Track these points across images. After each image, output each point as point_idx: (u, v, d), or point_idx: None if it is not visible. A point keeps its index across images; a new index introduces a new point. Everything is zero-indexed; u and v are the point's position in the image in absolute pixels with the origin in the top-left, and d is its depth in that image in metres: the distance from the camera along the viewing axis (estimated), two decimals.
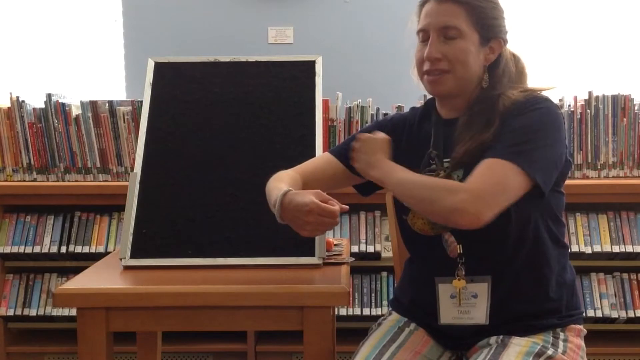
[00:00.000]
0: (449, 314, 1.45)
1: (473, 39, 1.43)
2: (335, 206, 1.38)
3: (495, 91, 1.44)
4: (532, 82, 1.53)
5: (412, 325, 1.52)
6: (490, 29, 1.45)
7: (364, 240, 2.61)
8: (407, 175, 1.39)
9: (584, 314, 1.54)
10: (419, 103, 2.72)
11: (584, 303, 2.55)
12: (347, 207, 1.43)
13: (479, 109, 1.43)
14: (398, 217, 1.56)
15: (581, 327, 1.47)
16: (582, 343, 1.45)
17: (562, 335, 1.42)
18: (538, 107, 1.38)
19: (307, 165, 1.62)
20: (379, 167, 1.44)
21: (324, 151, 1.70)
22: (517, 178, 1.30)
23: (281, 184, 1.47)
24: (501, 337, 1.40)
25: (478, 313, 1.42)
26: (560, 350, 1.38)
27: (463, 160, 1.40)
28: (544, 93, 1.47)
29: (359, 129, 2.61)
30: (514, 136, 1.34)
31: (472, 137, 1.39)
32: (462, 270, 1.42)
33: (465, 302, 1.43)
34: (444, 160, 1.45)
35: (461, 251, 1.41)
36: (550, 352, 1.36)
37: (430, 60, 1.43)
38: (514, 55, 1.51)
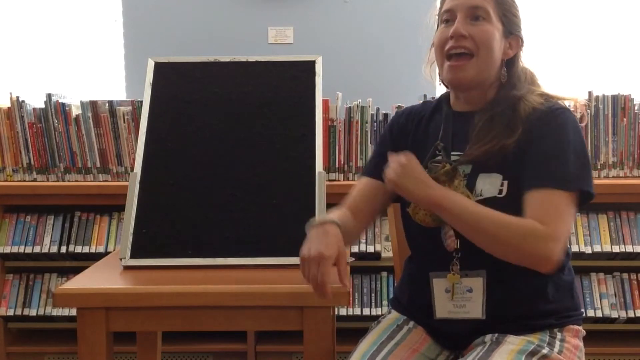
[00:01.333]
0: (444, 308, 1.46)
1: (498, 27, 1.43)
2: (328, 287, 1.31)
3: (516, 91, 1.43)
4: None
5: (411, 324, 1.53)
6: (511, 23, 1.46)
7: (364, 240, 2.61)
8: (473, 205, 1.34)
9: (583, 314, 1.53)
10: (418, 102, 2.73)
11: (584, 303, 2.55)
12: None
13: (501, 109, 1.42)
14: (402, 210, 1.56)
15: (580, 327, 1.46)
16: (580, 344, 1.45)
17: (559, 335, 1.41)
18: (562, 117, 1.38)
19: (350, 197, 1.58)
20: (436, 187, 1.36)
21: (323, 151, 1.71)
22: (574, 202, 1.34)
23: (331, 214, 1.48)
24: (496, 335, 1.40)
25: (474, 307, 1.42)
26: (556, 349, 1.37)
27: (476, 159, 1.40)
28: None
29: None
30: (553, 157, 1.34)
31: (493, 139, 1.38)
32: (457, 264, 1.42)
33: (460, 296, 1.43)
34: (452, 153, 1.45)
35: (458, 246, 1.42)
36: (545, 351, 1.35)
37: (455, 37, 1.41)
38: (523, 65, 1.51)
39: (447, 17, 1.45)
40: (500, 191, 1.38)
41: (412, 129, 1.56)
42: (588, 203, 1.37)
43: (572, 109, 1.46)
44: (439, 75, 1.51)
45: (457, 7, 1.43)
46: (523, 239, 1.29)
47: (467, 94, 1.49)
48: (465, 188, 1.40)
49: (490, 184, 1.39)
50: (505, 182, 1.38)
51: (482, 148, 1.39)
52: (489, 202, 1.38)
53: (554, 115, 1.39)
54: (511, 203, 1.36)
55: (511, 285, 1.41)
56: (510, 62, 1.48)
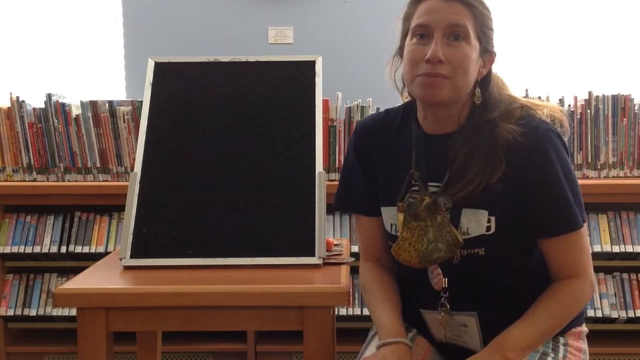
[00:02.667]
0: (441, 336, 1.44)
1: (475, 47, 1.31)
2: None
3: (490, 114, 1.33)
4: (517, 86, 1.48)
5: (414, 331, 1.51)
6: (487, 39, 1.35)
7: None
8: (529, 327, 1.30)
9: (584, 314, 1.53)
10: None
11: None
12: None
13: (478, 138, 1.32)
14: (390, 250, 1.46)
15: (582, 328, 1.46)
16: (583, 345, 1.44)
17: (562, 340, 1.41)
18: (547, 147, 1.30)
19: (365, 243, 1.54)
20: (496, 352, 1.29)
21: (323, 151, 1.70)
22: (585, 231, 1.37)
23: (381, 308, 1.44)
24: None
25: (471, 340, 1.41)
26: (560, 355, 1.37)
27: (460, 200, 1.32)
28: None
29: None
30: (554, 199, 1.31)
31: (475, 178, 1.29)
32: (446, 305, 1.38)
33: (455, 328, 1.42)
34: (429, 184, 1.37)
35: (446, 285, 1.38)
36: (550, 358, 1.35)
37: (432, 62, 1.28)
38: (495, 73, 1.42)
39: (423, 32, 1.31)
40: (488, 228, 1.32)
41: (379, 149, 1.46)
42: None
43: (550, 120, 1.37)
44: (407, 87, 1.39)
45: (435, 24, 1.29)
46: (577, 305, 1.36)
47: (436, 112, 1.37)
48: (450, 226, 1.32)
49: (477, 222, 1.32)
50: (492, 218, 1.32)
51: (465, 189, 1.30)
52: (477, 240, 1.33)
53: (537, 148, 1.29)
54: (501, 240, 1.33)
55: (506, 317, 1.34)
56: (484, 80, 1.37)
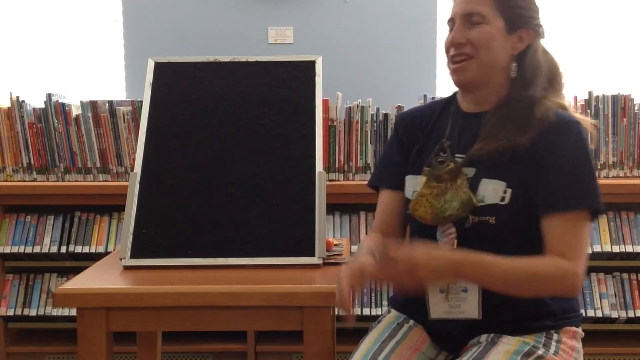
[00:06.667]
0: (439, 308, 1.45)
1: (498, 25, 1.43)
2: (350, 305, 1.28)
3: (532, 90, 1.43)
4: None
5: (411, 322, 1.53)
6: (517, 17, 1.45)
7: None
8: (494, 259, 1.31)
9: (582, 315, 1.53)
10: (419, 103, 2.73)
11: (584, 303, 2.55)
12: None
13: (515, 108, 1.42)
14: (406, 212, 1.53)
15: (577, 329, 1.46)
16: (577, 345, 1.44)
17: (555, 337, 1.41)
18: (575, 132, 1.39)
19: (378, 218, 1.60)
20: (449, 253, 1.34)
21: (324, 151, 1.71)
22: (588, 222, 1.38)
23: (364, 244, 1.49)
24: (492, 335, 1.40)
25: (469, 307, 1.42)
26: (551, 350, 1.38)
27: (484, 158, 1.39)
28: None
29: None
30: (569, 179, 1.36)
31: (505, 136, 1.38)
32: None
33: (455, 296, 1.43)
34: (457, 155, 1.45)
35: (455, 247, 1.41)
36: (540, 352, 1.36)
37: (454, 45, 1.45)
38: (545, 52, 1.50)
39: (450, 24, 1.49)
40: (503, 198, 1.38)
41: (419, 131, 1.56)
42: (598, 218, 1.38)
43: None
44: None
45: (455, 15, 1.47)
46: (550, 282, 1.34)
47: (474, 94, 1.49)
48: (467, 188, 1.40)
49: (493, 191, 1.39)
50: (509, 190, 1.38)
51: (493, 144, 1.39)
52: (490, 209, 1.38)
53: (567, 129, 1.39)
54: (513, 211, 1.37)
55: None
56: (522, 55, 1.46)
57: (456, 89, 1.55)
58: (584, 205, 1.36)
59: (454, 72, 1.46)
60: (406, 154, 1.56)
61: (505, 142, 1.38)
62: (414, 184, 1.50)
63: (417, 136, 1.56)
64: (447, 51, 1.48)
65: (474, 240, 1.38)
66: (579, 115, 1.46)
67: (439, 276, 1.30)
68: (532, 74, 1.45)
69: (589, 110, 2.62)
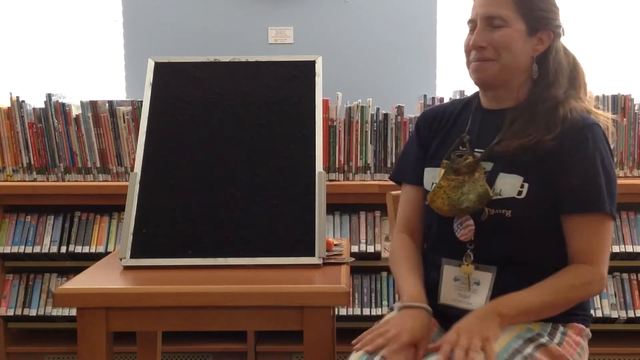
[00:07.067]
0: (449, 295, 1.48)
1: (519, 28, 1.44)
2: None
3: (555, 90, 1.45)
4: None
5: None
6: (538, 19, 1.46)
7: (364, 240, 2.61)
8: (526, 294, 1.36)
9: (592, 316, 1.56)
10: (419, 103, 2.73)
11: None
12: None
13: (540, 108, 1.43)
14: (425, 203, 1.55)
15: (585, 327, 1.47)
16: (583, 342, 1.45)
17: (561, 329, 1.42)
18: (597, 135, 1.42)
19: (403, 213, 1.60)
20: (487, 307, 1.37)
21: (324, 151, 1.71)
22: (611, 226, 1.42)
23: (406, 276, 1.48)
24: None
25: (477, 300, 1.44)
26: (555, 340, 1.38)
27: (510, 153, 1.41)
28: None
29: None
30: (591, 180, 1.39)
31: (531, 134, 1.40)
32: (470, 255, 1.45)
33: (467, 286, 1.46)
34: (476, 150, 1.47)
35: (473, 238, 1.44)
36: (544, 340, 1.36)
37: (475, 49, 1.45)
38: (566, 51, 1.52)
39: (471, 25, 1.49)
40: (520, 192, 1.40)
41: (440, 127, 1.58)
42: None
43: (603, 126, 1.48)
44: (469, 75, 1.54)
45: (477, 17, 1.47)
46: (580, 291, 1.40)
47: (495, 93, 1.50)
48: (484, 181, 1.42)
49: (510, 185, 1.41)
50: (526, 185, 1.40)
51: (517, 142, 1.40)
52: (507, 202, 1.41)
53: (589, 130, 1.41)
54: (529, 206, 1.40)
55: (519, 282, 1.40)
56: (543, 57, 1.48)
57: (477, 88, 1.56)
58: (605, 207, 1.38)
59: (475, 71, 1.47)
60: (426, 150, 1.58)
61: (530, 139, 1.39)
62: (433, 176, 1.52)
63: (437, 132, 1.58)
64: (468, 53, 1.49)
65: (490, 233, 1.42)
66: (599, 112, 1.49)
67: (487, 330, 1.29)
68: (555, 74, 1.47)
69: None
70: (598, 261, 1.39)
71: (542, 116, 1.42)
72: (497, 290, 1.41)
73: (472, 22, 1.49)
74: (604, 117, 1.49)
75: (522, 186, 1.40)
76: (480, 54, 1.45)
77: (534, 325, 1.39)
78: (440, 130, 1.57)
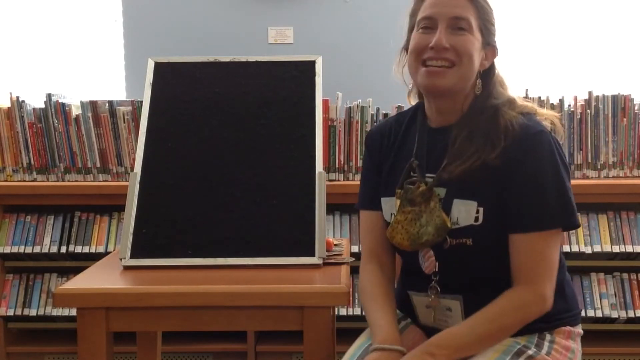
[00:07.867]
0: (427, 318, 1.48)
1: (478, 37, 1.38)
2: None
3: (494, 100, 1.40)
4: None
5: (408, 319, 1.54)
6: (489, 33, 1.42)
7: None
8: (463, 327, 1.33)
9: (580, 312, 1.52)
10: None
11: (584, 303, 2.55)
12: None
13: (479, 123, 1.37)
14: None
15: (573, 328, 1.44)
16: (572, 345, 1.43)
17: (548, 337, 1.40)
18: (540, 145, 1.33)
19: (368, 245, 1.54)
20: (423, 347, 1.32)
21: (324, 151, 1.70)
22: (558, 238, 1.34)
23: (379, 313, 1.42)
24: None
25: (454, 320, 1.42)
26: (544, 351, 1.37)
27: (455, 178, 1.35)
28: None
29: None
30: (533, 196, 1.32)
31: (473, 154, 1.34)
32: (435, 287, 1.42)
33: (440, 312, 1.44)
34: (427, 175, 1.41)
35: (437, 269, 1.41)
36: (531, 352, 1.35)
37: (437, 49, 1.35)
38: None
39: (427, 24, 1.39)
40: (476, 219, 1.35)
41: (389, 146, 1.52)
42: (573, 230, 1.36)
43: (547, 123, 1.42)
44: (413, 80, 1.46)
45: (439, 16, 1.37)
46: (517, 316, 1.32)
47: (440, 103, 1.43)
48: (441, 211, 1.36)
49: (466, 212, 1.36)
50: (481, 209, 1.35)
51: (461, 166, 1.34)
52: (466, 230, 1.36)
53: (531, 142, 1.33)
54: (487, 232, 1.35)
55: (491, 300, 1.35)
56: (486, 73, 1.43)
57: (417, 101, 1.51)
58: (545, 226, 1.32)
59: (430, 75, 1.37)
60: (379, 172, 1.53)
61: (474, 161, 1.33)
62: (390, 206, 1.47)
63: (387, 153, 1.52)
64: (420, 52, 1.39)
65: (454, 262, 1.39)
66: (543, 112, 1.43)
67: None
68: (496, 92, 1.42)
69: (589, 110, 2.62)
70: (537, 280, 1.31)
71: (483, 128, 1.36)
72: (470, 313, 1.38)
73: (429, 21, 1.38)
74: (549, 116, 1.42)
75: (477, 211, 1.34)
76: (439, 55, 1.35)
77: (520, 339, 1.37)
78: (390, 151, 1.51)
